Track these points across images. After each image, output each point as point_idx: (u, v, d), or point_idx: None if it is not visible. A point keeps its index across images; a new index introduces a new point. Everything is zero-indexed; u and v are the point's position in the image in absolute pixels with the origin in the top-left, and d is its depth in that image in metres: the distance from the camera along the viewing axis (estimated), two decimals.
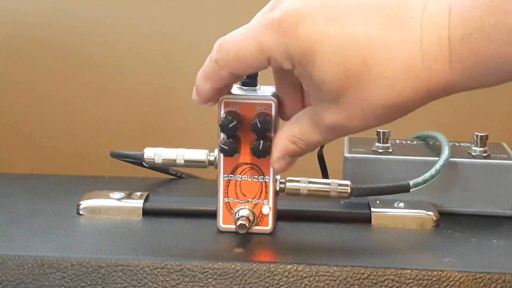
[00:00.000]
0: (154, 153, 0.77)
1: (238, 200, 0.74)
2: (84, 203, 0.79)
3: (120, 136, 1.12)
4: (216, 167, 0.75)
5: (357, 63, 0.60)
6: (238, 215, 0.73)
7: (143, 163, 0.78)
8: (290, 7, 0.61)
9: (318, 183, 0.75)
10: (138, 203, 0.79)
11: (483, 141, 0.82)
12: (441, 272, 0.67)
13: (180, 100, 1.09)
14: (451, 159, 0.80)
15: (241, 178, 0.73)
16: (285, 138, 0.68)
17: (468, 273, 0.67)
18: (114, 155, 0.89)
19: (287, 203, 0.78)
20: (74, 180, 0.91)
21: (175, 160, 0.76)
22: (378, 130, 0.83)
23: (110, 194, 0.80)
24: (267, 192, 0.74)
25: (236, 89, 0.73)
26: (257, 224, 0.74)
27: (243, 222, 0.72)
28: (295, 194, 0.75)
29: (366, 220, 0.78)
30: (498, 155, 0.82)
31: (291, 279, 0.67)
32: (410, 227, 0.77)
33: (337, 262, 0.68)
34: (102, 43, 1.10)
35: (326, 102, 0.63)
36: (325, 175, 0.89)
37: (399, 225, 0.77)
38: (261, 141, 0.71)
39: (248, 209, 0.73)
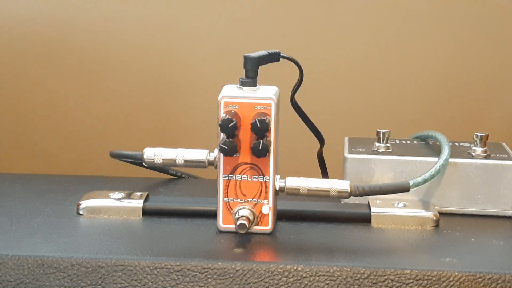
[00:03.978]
0: (154, 153, 0.77)
1: (238, 200, 0.74)
2: (84, 203, 0.79)
3: (120, 136, 1.12)
4: (216, 167, 0.75)
5: None
6: (238, 215, 0.73)
7: (143, 163, 0.78)
8: None
9: (318, 183, 0.75)
10: (138, 203, 0.79)
11: (483, 141, 0.82)
12: (441, 272, 0.67)
13: (180, 100, 1.09)
14: (451, 159, 0.80)
15: (241, 178, 0.73)
16: None
17: (468, 273, 0.67)
18: (114, 155, 0.89)
19: (287, 203, 0.78)
20: (74, 180, 0.90)
21: (175, 160, 0.76)
22: (378, 130, 0.83)
23: (110, 194, 0.80)
24: (267, 192, 0.74)
25: (235, 89, 0.73)
26: (257, 224, 0.74)
27: (243, 222, 0.72)
28: (295, 194, 0.75)
29: (366, 220, 0.78)
30: (498, 155, 0.82)
31: (291, 279, 0.67)
32: (410, 227, 0.77)
33: (337, 262, 0.68)
34: (102, 43, 1.10)
35: None
36: (325, 175, 0.89)
37: (399, 225, 0.77)
38: (261, 141, 0.71)
39: (248, 209, 0.73)
